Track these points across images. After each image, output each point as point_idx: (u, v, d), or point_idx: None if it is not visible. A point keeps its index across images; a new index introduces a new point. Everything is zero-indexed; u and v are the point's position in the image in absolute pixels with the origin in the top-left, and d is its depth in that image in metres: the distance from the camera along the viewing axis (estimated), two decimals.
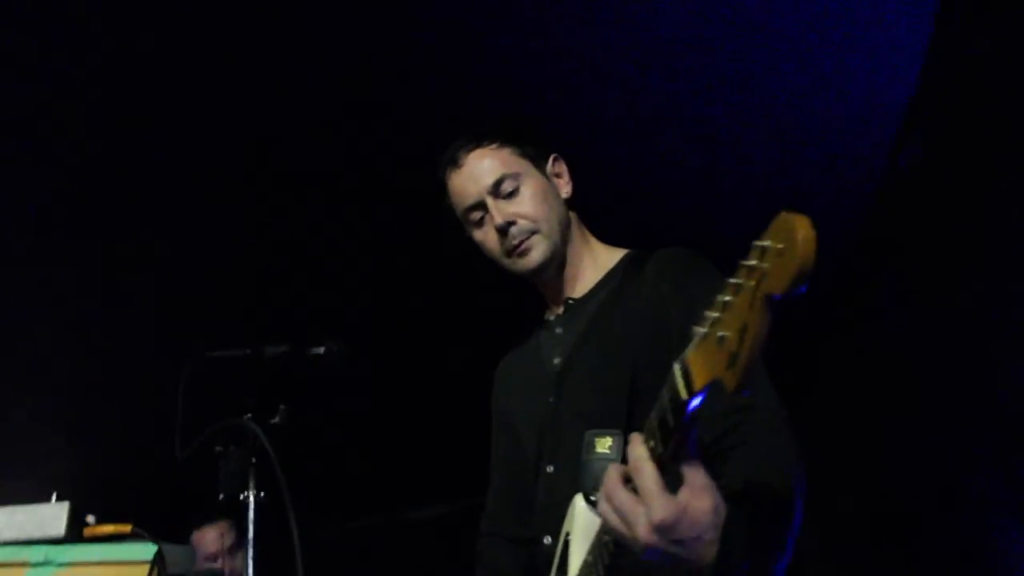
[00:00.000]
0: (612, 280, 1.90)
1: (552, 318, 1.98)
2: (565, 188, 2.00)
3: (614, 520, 1.29)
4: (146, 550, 2.01)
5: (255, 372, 2.07)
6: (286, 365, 2.09)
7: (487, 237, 1.96)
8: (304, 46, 3.08)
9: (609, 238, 2.07)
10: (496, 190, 1.92)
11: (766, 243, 1.03)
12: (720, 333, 1.08)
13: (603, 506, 1.31)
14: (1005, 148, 3.16)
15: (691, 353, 1.15)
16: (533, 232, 1.91)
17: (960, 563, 3.55)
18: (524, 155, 1.96)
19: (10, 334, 4.18)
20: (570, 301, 1.94)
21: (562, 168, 2.02)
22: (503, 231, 1.90)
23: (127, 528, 2.10)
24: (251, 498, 1.88)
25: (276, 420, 1.91)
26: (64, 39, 2.92)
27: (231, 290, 4.16)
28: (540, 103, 3.34)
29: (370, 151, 3.57)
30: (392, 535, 6.28)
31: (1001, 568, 3.25)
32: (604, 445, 1.62)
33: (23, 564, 1.99)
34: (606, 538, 1.39)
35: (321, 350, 2.10)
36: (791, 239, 0.99)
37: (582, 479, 1.62)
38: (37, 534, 2.03)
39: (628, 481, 1.28)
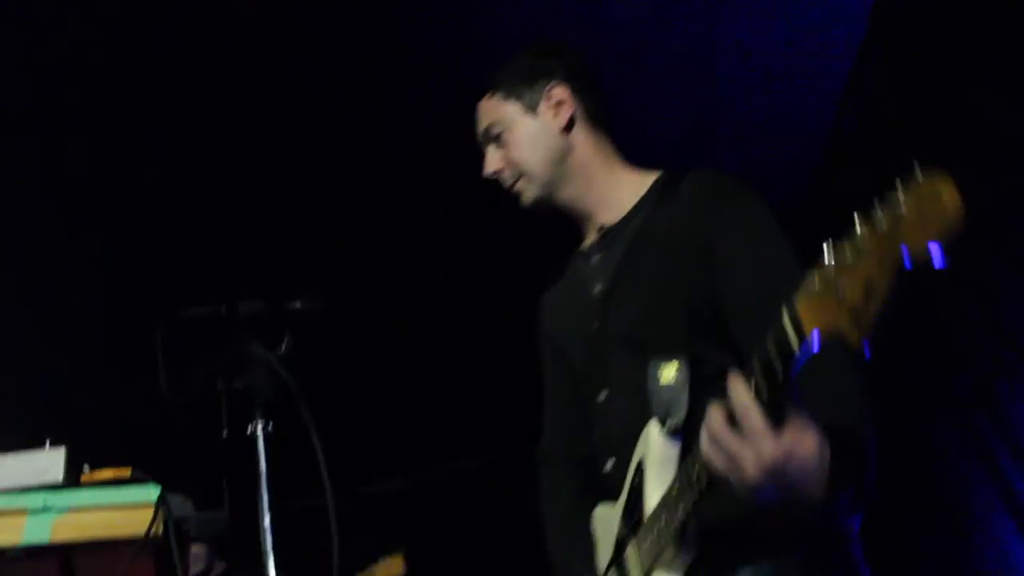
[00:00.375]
0: (646, 204, 1.87)
1: (588, 247, 1.95)
2: (563, 117, 1.93)
3: (721, 461, 1.31)
4: (149, 492, 1.96)
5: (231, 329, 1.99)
6: (263, 321, 2.02)
7: None
8: None
9: None
10: (487, 138, 1.97)
11: (900, 197, 1.00)
12: (842, 285, 1.07)
13: (708, 448, 1.33)
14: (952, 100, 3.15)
15: (802, 301, 1.15)
16: (519, 176, 1.93)
17: (943, 562, 3.54)
18: (513, 97, 1.95)
19: None
20: (604, 228, 1.91)
21: (561, 94, 1.94)
22: (494, 180, 1.96)
23: (127, 472, 2.03)
24: (259, 430, 1.81)
25: (281, 350, 1.82)
26: None
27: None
28: None
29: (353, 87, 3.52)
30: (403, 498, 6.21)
31: (983, 565, 3.23)
32: (669, 373, 1.62)
33: (22, 512, 1.92)
34: (697, 475, 1.41)
35: (297, 304, 2.01)
36: (936, 193, 0.97)
37: (653, 407, 1.62)
38: (34, 481, 1.96)
39: (731, 421, 1.29)
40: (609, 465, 1.76)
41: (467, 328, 4.86)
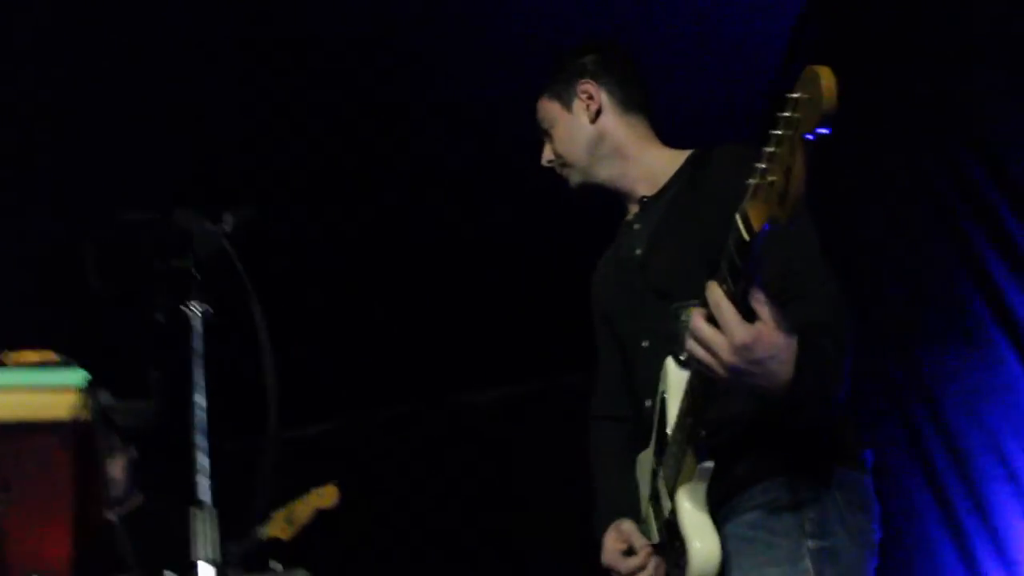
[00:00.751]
0: (681, 177, 2.11)
1: (631, 217, 2.21)
2: (592, 109, 2.19)
3: (700, 352, 1.54)
4: (75, 375, 1.86)
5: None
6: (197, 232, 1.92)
7: None
8: None
9: None
10: (543, 135, 2.27)
11: (796, 95, 1.26)
12: (770, 179, 1.31)
13: (690, 343, 1.56)
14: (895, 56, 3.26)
15: (748, 202, 1.38)
16: (563, 165, 2.24)
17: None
18: (554, 97, 2.23)
19: None
20: (644, 199, 2.16)
21: (588, 87, 2.20)
22: (549, 168, 2.27)
23: (52, 355, 1.93)
24: (197, 310, 1.72)
25: (226, 227, 1.73)
26: None
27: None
28: None
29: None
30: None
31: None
32: (687, 314, 1.76)
33: None
34: (695, 380, 1.66)
35: (229, 219, 1.92)
36: (816, 86, 1.21)
37: (676, 347, 1.81)
38: None
39: (710, 320, 1.51)
40: (648, 403, 1.98)
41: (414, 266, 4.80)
